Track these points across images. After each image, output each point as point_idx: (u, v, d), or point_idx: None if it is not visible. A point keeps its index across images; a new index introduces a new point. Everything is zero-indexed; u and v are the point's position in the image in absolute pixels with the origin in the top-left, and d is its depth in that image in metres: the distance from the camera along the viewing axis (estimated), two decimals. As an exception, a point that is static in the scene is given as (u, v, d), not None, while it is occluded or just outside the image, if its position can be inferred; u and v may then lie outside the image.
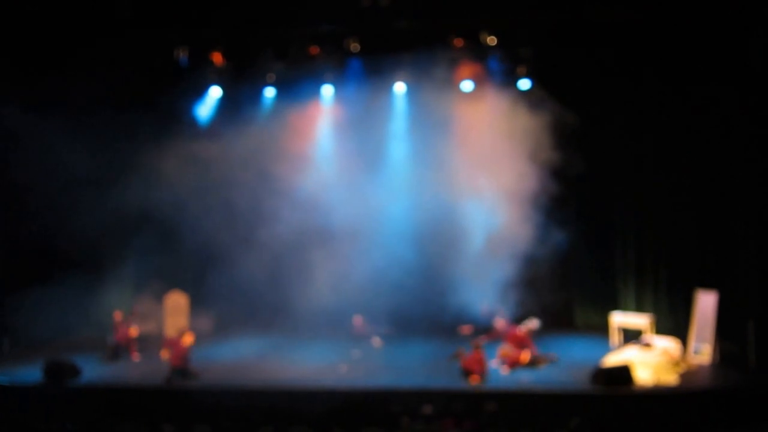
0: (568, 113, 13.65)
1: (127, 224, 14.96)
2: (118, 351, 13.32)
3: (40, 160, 13.57)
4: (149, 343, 14.00)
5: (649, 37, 13.02)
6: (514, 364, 12.14)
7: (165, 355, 12.35)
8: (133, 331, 13.66)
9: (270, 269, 14.94)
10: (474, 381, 11.47)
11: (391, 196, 14.99)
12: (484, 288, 13.54)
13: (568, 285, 15.54)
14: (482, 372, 11.58)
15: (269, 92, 15.64)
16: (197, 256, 15.40)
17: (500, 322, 13.26)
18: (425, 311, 14.56)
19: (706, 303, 12.65)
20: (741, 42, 11.82)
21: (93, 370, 12.20)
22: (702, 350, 12.51)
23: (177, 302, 15.40)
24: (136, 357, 13.43)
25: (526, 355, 12.29)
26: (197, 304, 15.26)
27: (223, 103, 15.62)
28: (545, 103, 13.78)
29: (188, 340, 12.21)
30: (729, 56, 12.03)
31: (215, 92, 15.56)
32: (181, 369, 11.92)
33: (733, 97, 12.11)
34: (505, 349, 12.45)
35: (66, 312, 14.19)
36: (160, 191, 14.37)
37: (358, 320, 14.75)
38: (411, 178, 15.09)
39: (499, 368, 12.06)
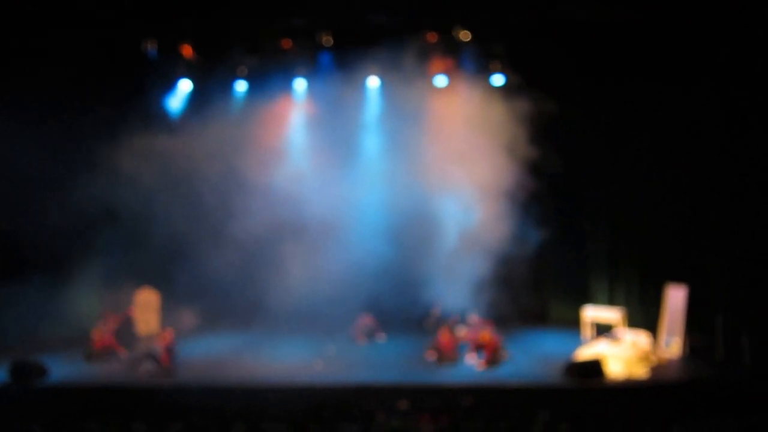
0: (543, 109, 13.69)
1: (95, 221, 14.65)
2: (98, 352, 13.05)
3: (2, 159, 13.23)
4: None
5: (624, 36, 13.11)
6: (488, 358, 12.19)
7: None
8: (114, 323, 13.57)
9: (243, 265, 14.80)
10: (446, 360, 12.12)
11: (365, 191, 14.92)
12: (457, 283, 13.55)
13: (542, 280, 15.66)
14: (453, 352, 12.24)
15: (241, 86, 15.44)
16: (168, 252, 15.12)
17: (473, 319, 13.37)
18: (400, 307, 14.51)
19: (676, 297, 12.84)
20: (714, 41, 12.00)
21: (60, 370, 11.92)
22: (672, 343, 12.70)
23: (148, 299, 15.16)
24: (124, 353, 13.21)
25: (485, 334, 12.40)
26: (171, 301, 14.99)
27: (194, 97, 15.36)
28: (519, 99, 13.80)
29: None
30: (702, 56, 12.20)
31: (185, 85, 15.29)
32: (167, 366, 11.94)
33: (704, 95, 12.29)
34: (465, 332, 12.81)
35: (32, 311, 13.88)
36: (130, 187, 14.11)
37: (367, 320, 14.53)
38: (385, 172, 15.00)
39: (475, 364, 12.12)
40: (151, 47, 14.23)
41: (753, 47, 11.49)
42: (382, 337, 14.36)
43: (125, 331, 13.93)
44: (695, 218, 12.77)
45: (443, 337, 12.61)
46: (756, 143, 11.72)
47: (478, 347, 12.39)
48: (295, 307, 14.38)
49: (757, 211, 11.79)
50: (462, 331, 13.15)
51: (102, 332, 13.25)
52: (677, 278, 12.95)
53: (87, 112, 14.20)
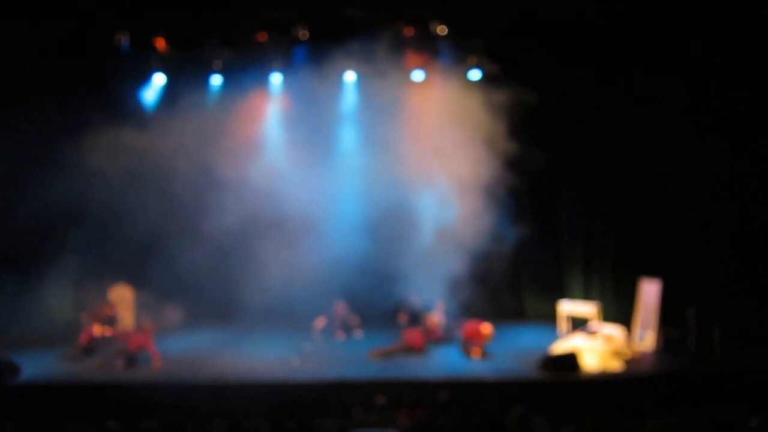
0: (520, 104, 13.72)
1: (67, 218, 14.42)
2: (86, 351, 12.82)
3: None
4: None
5: (604, 31, 13.17)
6: (479, 345, 12.34)
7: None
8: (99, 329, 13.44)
9: (218, 261, 14.67)
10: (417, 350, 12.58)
11: (342, 186, 14.83)
12: (434, 278, 13.58)
13: (518, 275, 15.75)
14: (423, 346, 12.69)
15: (216, 80, 15.27)
16: (143, 249, 14.94)
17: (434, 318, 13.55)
18: (377, 302, 14.47)
19: (649, 291, 13.00)
20: (687, 38, 12.14)
21: (33, 368, 11.73)
22: (646, 337, 12.86)
23: (122, 296, 14.96)
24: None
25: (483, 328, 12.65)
26: (147, 297, 14.79)
27: (168, 91, 15.13)
28: (496, 94, 13.82)
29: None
30: (676, 51, 12.34)
31: (159, 79, 15.08)
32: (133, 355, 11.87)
33: (677, 91, 12.43)
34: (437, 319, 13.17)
35: (3, 309, 13.63)
36: (104, 183, 13.92)
37: (341, 308, 14.47)
38: (362, 167, 14.91)
39: (469, 354, 12.32)
40: (123, 40, 13.99)
41: (729, 42, 11.65)
42: (359, 333, 14.33)
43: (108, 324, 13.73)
44: (668, 213, 12.95)
45: (411, 334, 12.90)
46: (729, 140, 11.90)
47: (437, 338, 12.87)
48: (271, 303, 14.31)
49: (728, 206, 11.99)
50: (435, 317, 13.43)
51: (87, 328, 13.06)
52: (651, 272, 13.11)
53: (57, 106, 13.95)
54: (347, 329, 14.30)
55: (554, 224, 15.41)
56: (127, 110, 14.78)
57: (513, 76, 13.95)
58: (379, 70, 13.94)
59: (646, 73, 12.87)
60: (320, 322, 14.16)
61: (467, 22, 13.59)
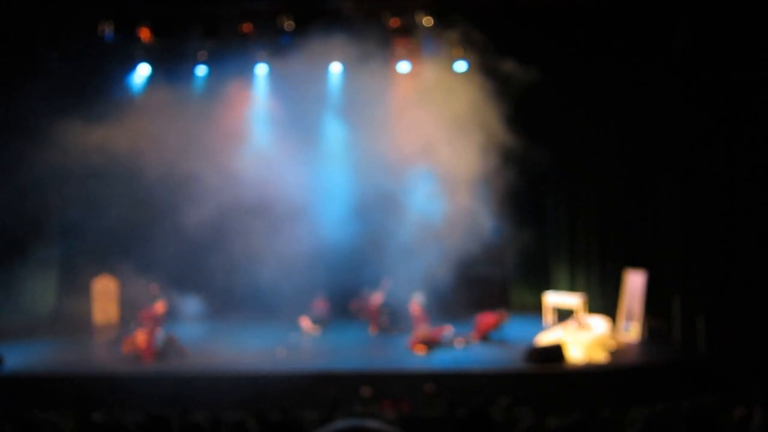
0: (503, 94, 13.67)
1: (52, 207, 14.28)
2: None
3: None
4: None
5: (590, 20, 13.15)
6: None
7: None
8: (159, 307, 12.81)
9: (203, 252, 14.56)
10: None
11: (326, 177, 14.75)
12: (418, 268, 13.53)
13: (504, 266, 15.75)
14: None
15: (201, 70, 15.12)
16: (126, 239, 14.80)
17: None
18: (359, 292, 14.41)
19: (634, 282, 13.06)
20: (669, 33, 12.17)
21: (16, 359, 11.62)
22: (631, 328, 12.92)
23: (106, 286, 14.85)
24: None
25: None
26: (130, 289, 14.64)
27: (153, 81, 14.95)
28: (480, 84, 13.76)
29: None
30: (663, 45, 12.36)
31: (144, 69, 14.92)
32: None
33: (662, 84, 12.46)
34: (420, 331, 12.62)
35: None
36: (86, 172, 13.76)
37: (321, 305, 14.40)
38: (347, 158, 14.82)
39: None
40: (107, 30, 13.82)
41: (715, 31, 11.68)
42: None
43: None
44: (653, 205, 12.99)
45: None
46: (714, 134, 11.95)
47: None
48: (255, 294, 14.19)
49: (712, 198, 12.04)
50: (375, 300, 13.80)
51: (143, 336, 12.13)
52: (636, 264, 13.16)
53: (40, 93, 13.77)
54: (322, 321, 14.16)
55: (540, 215, 15.42)
56: (112, 100, 14.61)
57: (497, 67, 13.83)
58: (365, 60, 13.83)
59: (633, 66, 12.88)
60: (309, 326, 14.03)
61: (452, 13, 13.49)
